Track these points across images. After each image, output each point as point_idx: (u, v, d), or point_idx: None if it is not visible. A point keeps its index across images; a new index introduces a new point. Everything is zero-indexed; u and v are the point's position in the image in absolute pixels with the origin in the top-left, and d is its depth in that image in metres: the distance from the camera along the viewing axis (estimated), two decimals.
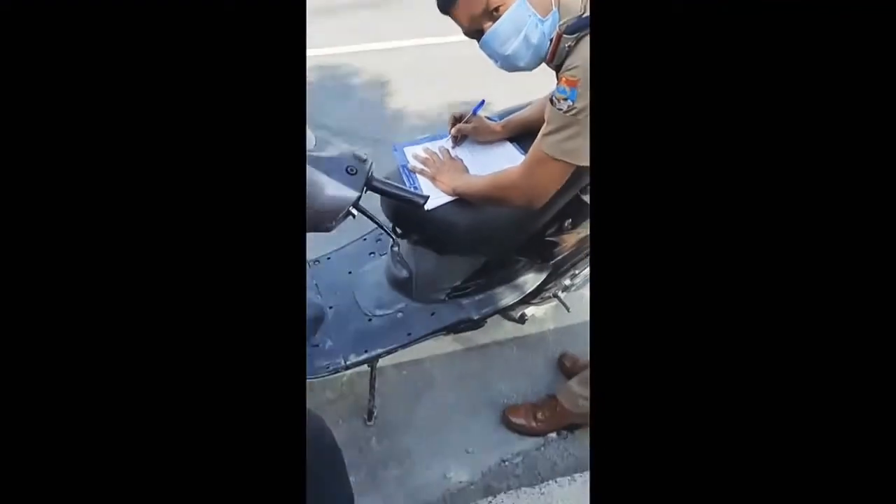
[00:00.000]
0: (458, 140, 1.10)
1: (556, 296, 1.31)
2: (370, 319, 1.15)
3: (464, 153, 1.07)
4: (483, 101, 1.10)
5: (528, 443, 1.24)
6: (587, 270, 1.32)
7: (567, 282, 1.29)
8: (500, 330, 1.48)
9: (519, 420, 1.24)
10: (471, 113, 1.08)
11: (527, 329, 1.47)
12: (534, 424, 1.23)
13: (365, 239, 1.32)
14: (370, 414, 1.26)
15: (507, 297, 1.16)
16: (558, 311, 1.42)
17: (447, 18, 0.77)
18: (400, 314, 1.15)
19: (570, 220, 1.10)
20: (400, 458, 1.21)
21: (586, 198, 1.08)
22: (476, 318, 1.16)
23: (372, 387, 1.24)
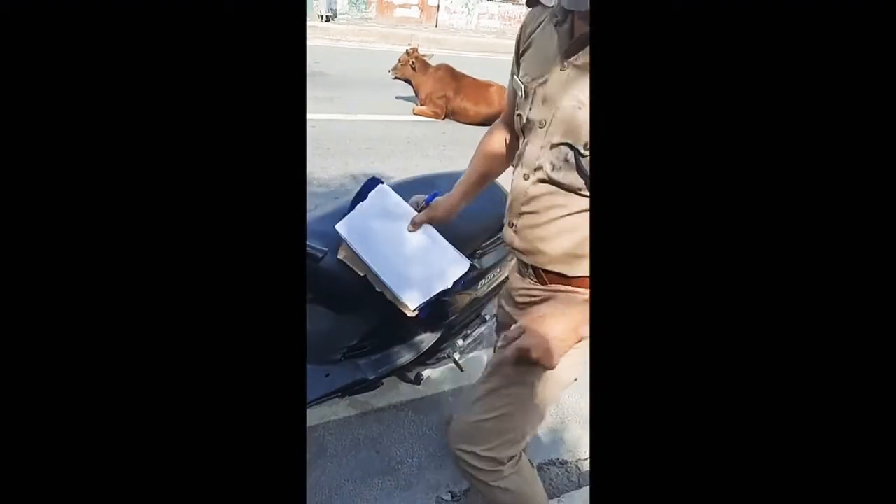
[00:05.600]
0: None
1: (450, 356, 1.36)
2: None
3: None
4: (437, 193, 1.01)
5: None
6: (479, 330, 1.40)
7: (461, 342, 1.36)
8: (396, 393, 1.47)
9: None
10: (424, 203, 1.02)
11: (423, 391, 1.48)
12: None
13: None
14: None
15: (404, 357, 1.19)
16: (453, 372, 1.46)
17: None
18: None
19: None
20: None
21: (475, 261, 1.18)
22: (372, 378, 1.15)
23: None
